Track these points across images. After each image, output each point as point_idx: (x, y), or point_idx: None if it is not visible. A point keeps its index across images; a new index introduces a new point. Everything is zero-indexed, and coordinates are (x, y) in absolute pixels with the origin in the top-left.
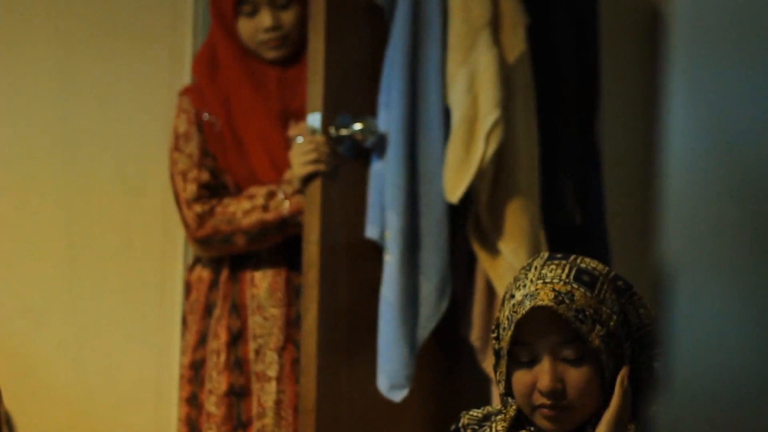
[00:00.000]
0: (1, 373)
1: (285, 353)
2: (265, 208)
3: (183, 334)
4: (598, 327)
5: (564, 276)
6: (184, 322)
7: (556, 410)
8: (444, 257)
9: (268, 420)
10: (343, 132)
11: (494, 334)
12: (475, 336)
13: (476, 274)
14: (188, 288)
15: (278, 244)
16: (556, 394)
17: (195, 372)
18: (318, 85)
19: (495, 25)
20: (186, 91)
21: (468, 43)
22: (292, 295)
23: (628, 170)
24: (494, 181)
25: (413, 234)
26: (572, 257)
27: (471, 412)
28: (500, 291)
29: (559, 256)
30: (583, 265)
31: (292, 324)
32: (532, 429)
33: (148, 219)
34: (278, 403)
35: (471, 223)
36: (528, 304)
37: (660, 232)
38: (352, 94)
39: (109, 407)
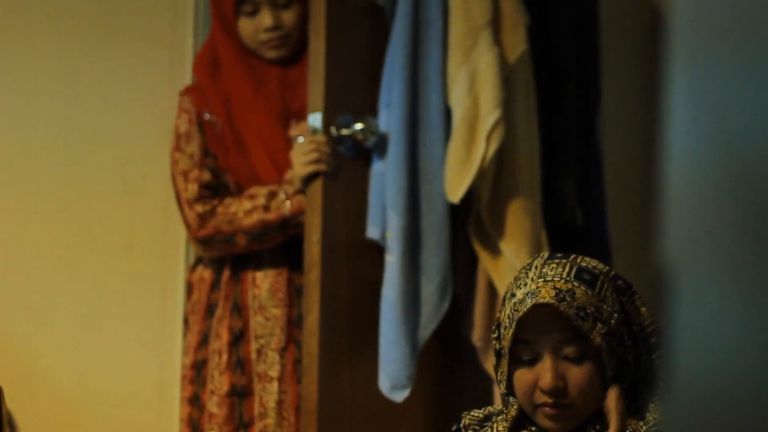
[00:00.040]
0: (3, 372)
1: (286, 353)
2: (266, 208)
3: (184, 335)
4: (599, 325)
5: (565, 274)
6: (186, 322)
7: (557, 409)
8: (445, 257)
9: (270, 420)
10: (344, 132)
11: (495, 335)
12: (476, 336)
13: (477, 274)
14: (190, 288)
15: (279, 245)
16: (558, 392)
17: (197, 372)
18: (319, 85)
19: (496, 25)
20: (187, 91)
21: (469, 43)
22: (294, 295)
23: (629, 170)
24: (495, 181)
25: (414, 234)
26: (572, 256)
27: (472, 413)
28: (502, 291)
29: (559, 255)
30: (583, 264)
31: (293, 324)
32: (533, 429)
33: (149, 219)
34: (280, 403)
35: (472, 223)
36: (529, 302)
37: (661, 232)
38: (353, 94)
39: (110, 407)
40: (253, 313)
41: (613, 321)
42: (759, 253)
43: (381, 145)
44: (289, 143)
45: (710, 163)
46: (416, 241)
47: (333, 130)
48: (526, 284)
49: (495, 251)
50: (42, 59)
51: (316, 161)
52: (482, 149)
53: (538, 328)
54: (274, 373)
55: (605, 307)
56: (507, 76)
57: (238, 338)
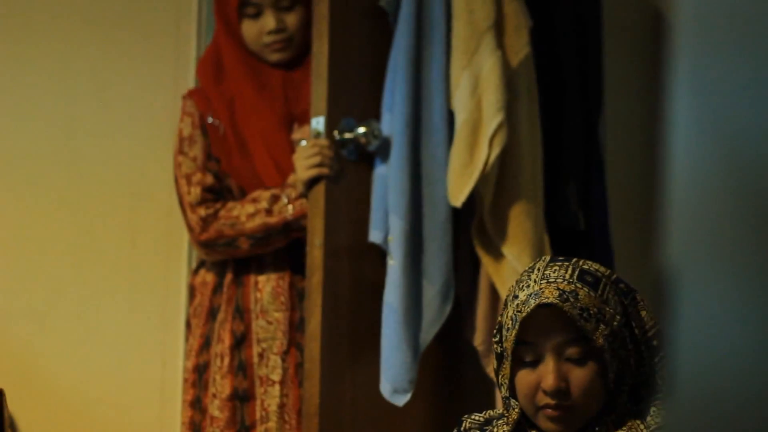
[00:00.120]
0: (4, 375)
1: (288, 357)
2: (269, 211)
3: (187, 338)
4: (602, 326)
5: (567, 276)
6: (188, 325)
7: (560, 410)
8: (447, 261)
9: (272, 424)
10: (347, 135)
11: (496, 338)
12: (478, 340)
13: (480, 278)
14: (192, 292)
15: (282, 248)
16: (561, 393)
17: (199, 375)
18: (322, 88)
19: (499, 29)
20: (190, 94)
21: (472, 47)
22: (296, 298)
23: (631, 173)
24: (498, 184)
25: (416, 238)
26: (574, 260)
27: (473, 416)
28: (504, 295)
29: (561, 258)
30: (585, 267)
31: (295, 328)
32: None
33: (152, 222)
34: (282, 406)
35: (474, 227)
36: (533, 303)
37: (663, 233)
38: (355, 97)
39: (112, 410)
40: (255, 316)
41: (615, 323)
42: (762, 254)
43: (384, 149)
44: (291, 146)
45: (714, 164)
46: (418, 245)
47: (336, 134)
48: (529, 286)
49: (497, 255)
50: (44, 61)
51: (319, 165)
52: (485, 153)
53: (541, 329)
54: (275, 376)
55: (608, 309)
56: (510, 79)
57: (240, 342)
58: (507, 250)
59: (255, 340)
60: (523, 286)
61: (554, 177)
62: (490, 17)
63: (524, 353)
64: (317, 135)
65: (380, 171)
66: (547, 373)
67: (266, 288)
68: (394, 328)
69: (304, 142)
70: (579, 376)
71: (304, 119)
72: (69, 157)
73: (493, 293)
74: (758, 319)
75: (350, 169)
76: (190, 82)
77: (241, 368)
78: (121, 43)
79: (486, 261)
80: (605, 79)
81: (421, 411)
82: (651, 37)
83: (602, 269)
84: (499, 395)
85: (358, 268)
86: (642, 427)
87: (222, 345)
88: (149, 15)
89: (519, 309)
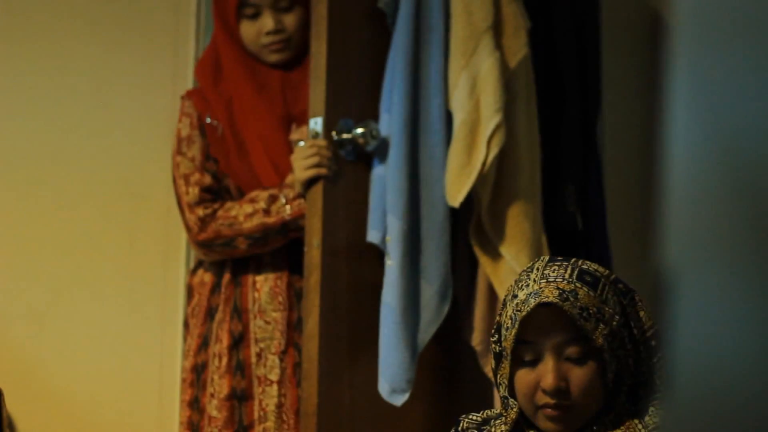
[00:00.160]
0: (3, 376)
1: (286, 357)
2: (266, 211)
3: (185, 338)
4: (601, 326)
5: (567, 275)
6: (186, 325)
7: (559, 410)
8: (445, 261)
9: (270, 423)
10: (345, 136)
11: (494, 338)
12: (476, 340)
13: (478, 278)
14: (190, 292)
15: (280, 248)
16: (560, 392)
17: (197, 375)
18: (320, 89)
19: (497, 30)
20: (189, 95)
21: (470, 48)
22: (294, 298)
23: (628, 174)
24: (496, 185)
25: (414, 238)
26: (573, 260)
27: (470, 416)
28: (502, 295)
29: (560, 258)
30: (585, 267)
31: (293, 328)
32: None
33: (150, 222)
34: (279, 406)
35: (472, 227)
36: (533, 302)
37: (661, 233)
38: (354, 98)
39: (111, 410)
40: (253, 316)
41: (614, 323)
42: (760, 254)
43: (382, 149)
44: (290, 147)
45: (711, 163)
46: (416, 245)
47: (334, 134)
48: (528, 285)
49: (495, 255)
50: (44, 61)
51: (317, 165)
52: (483, 153)
53: (541, 328)
54: (273, 376)
55: (607, 308)
56: (508, 80)
57: (238, 341)
58: (505, 250)
59: (253, 340)
60: (522, 285)
61: (552, 177)
62: (489, 18)
63: (524, 352)
64: (315, 135)
65: (378, 171)
66: (546, 372)
67: (264, 288)
68: (392, 328)
69: (302, 143)
70: (578, 375)
71: (303, 120)
72: (68, 157)
73: (491, 293)
74: (756, 319)
75: (348, 169)
76: (188, 82)
77: (239, 368)
78: (119, 44)
79: (484, 261)
80: (603, 79)
81: (419, 411)
82: (649, 37)
83: (601, 269)
84: (497, 395)
85: (356, 269)
86: (640, 426)
87: (220, 345)
88: (148, 15)
89: (519, 308)
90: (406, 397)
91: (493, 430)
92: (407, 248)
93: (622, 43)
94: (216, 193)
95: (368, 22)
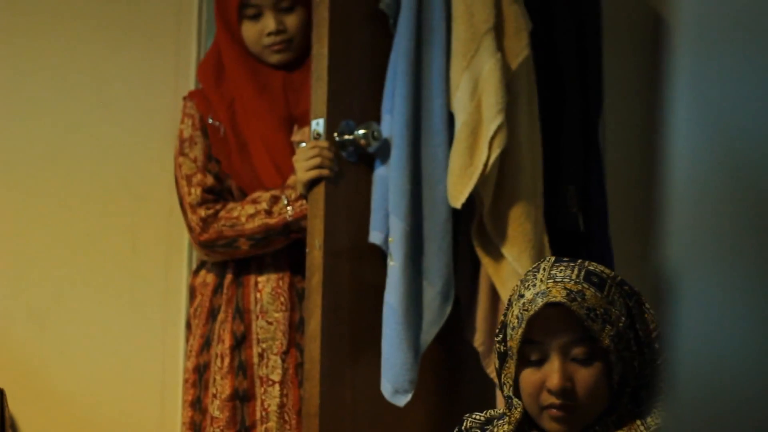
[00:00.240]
0: (5, 376)
1: (288, 357)
2: (268, 212)
3: (187, 338)
4: (608, 327)
5: (574, 276)
6: (188, 326)
7: (564, 410)
8: (447, 262)
9: (272, 424)
10: (347, 137)
11: (498, 337)
12: (478, 341)
13: (480, 279)
14: (192, 292)
15: (282, 249)
16: (566, 393)
17: (199, 376)
18: (322, 90)
19: (498, 31)
20: (191, 96)
21: (471, 49)
22: (296, 299)
23: (631, 174)
24: (497, 186)
25: (417, 239)
26: (579, 261)
27: (474, 415)
28: (504, 296)
29: (566, 259)
30: (591, 268)
31: (295, 328)
32: None
33: (152, 223)
34: (281, 407)
35: (474, 228)
36: (540, 301)
37: (663, 234)
38: (355, 99)
39: (113, 411)
40: (255, 317)
41: (621, 324)
42: (761, 254)
43: (383, 150)
44: (292, 147)
45: (712, 164)
46: (418, 246)
47: (336, 136)
48: (535, 285)
49: (497, 256)
50: (45, 61)
51: (319, 166)
52: (485, 154)
53: (547, 328)
54: (275, 376)
55: (613, 310)
56: (509, 81)
57: (240, 342)
58: (507, 251)
59: (255, 341)
60: (528, 285)
61: (554, 178)
62: (490, 20)
63: (530, 352)
64: (317, 136)
65: (380, 172)
66: (552, 372)
67: (266, 288)
68: (394, 329)
69: (304, 144)
70: (584, 376)
71: (304, 121)
72: (70, 158)
73: (493, 294)
74: (757, 319)
75: (350, 170)
76: (190, 83)
77: (241, 368)
78: (122, 44)
79: (486, 262)
80: (604, 80)
81: (421, 411)
82: (650, 38)
83: (607, 271)
84: (499, 395)
85: (358, 269)
86: (642, 428)
87: (222, 345)
88: (150, 16)
89: (526, 307)
90: (408, 397)
91: (496, 429)
92: (409, 249)
93: (623, 44)
94: (218, 194)
95: (370, 24)
